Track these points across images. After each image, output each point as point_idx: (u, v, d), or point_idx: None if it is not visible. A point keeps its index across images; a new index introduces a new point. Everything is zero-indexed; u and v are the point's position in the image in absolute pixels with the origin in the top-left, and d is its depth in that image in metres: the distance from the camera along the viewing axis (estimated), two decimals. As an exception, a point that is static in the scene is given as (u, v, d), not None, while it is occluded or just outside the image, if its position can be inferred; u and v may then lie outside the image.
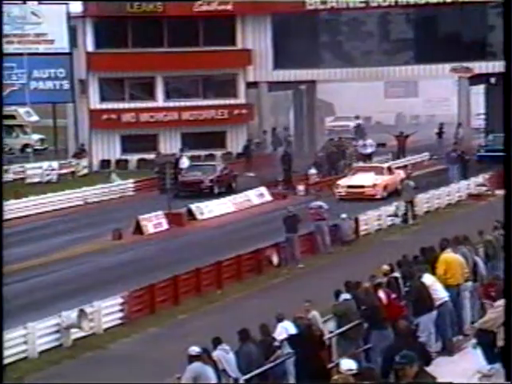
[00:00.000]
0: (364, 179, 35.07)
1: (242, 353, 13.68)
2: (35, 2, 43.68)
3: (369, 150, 42.21)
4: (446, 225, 27.34)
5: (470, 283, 16.47)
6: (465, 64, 43.92)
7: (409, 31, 46.06)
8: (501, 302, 12.19)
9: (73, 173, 42.03)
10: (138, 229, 29.76)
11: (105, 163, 44.76)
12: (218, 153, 45.49)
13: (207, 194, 35.29)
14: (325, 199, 29.52)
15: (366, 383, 9.74)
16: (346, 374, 10.10)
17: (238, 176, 38.80)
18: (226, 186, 36.79)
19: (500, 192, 27.95)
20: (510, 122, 8.98)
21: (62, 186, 38.05)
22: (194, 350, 12.95)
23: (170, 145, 44.83)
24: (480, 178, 35.42)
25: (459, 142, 41.30)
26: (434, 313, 15.27)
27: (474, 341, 13.43)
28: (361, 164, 39.79)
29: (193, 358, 12.90)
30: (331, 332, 15.03)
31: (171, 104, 45.44)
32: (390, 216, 30.19)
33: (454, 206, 33.19)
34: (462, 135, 43.41)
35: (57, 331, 18.67)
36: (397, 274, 16.47)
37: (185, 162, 38.95)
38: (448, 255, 16.53)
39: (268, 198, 35.46)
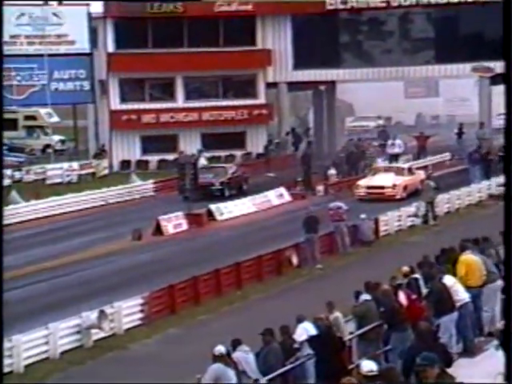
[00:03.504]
0: (384, 180, 34.97)
1: (264, 353, 13.66)
2: (54, 3, 43.89)
3: (396, 150, 41.86)
4: (467, 225, 27.22)
5: (493, 284, 16.33)
6: (486, 63, 43.70)
7: (429, 30, 45.91)
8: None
9: (93, 173, 42.17)
10: (158, 229, 29.82)
11: (125, 164, 44.86)
12: (238, 153, 45.51)
13: (217, 196, 34.82)
14: (344, 200, 29.46)
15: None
16: (364, 374, 10.05)
17: (258, 176, 38.73)
18: (236, 189, 36.50)
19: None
20: (510, 122, 8.92)
21: (83, 186, 38.19)
22: (219, 349, 12.90)
23: (190, 145, 44.87)
24: (501, 179, 35.23)
25: (483, 143, 41.03)
26: (455, 314, 15.20)
27: (496, 342, 13.35)
28: (381, 164, 39.66)
29: (216, 359, 12.88)
30: (351, 333, 14.99)
31: (191, 104, 45.49)
32: (410, 216, 30.09)
33: (475, 207, 33.04)
34: (487, 135, 43.13)
35: (78, 332, 18.73)
36: (417, 275, 16.40)
37: (202, 164, 38.92)
38: (468, 256, 16.45)
39: (287, 198, 35.43)
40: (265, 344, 13.77)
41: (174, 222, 30.26)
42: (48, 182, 40.19)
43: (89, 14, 44.04)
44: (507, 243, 9.11)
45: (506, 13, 9.71)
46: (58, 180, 40.39)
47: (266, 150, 44.50)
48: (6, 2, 39.30)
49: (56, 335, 18.18)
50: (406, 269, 16.57)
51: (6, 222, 30.67)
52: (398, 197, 34.09)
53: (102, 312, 18.89)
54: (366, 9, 45.47)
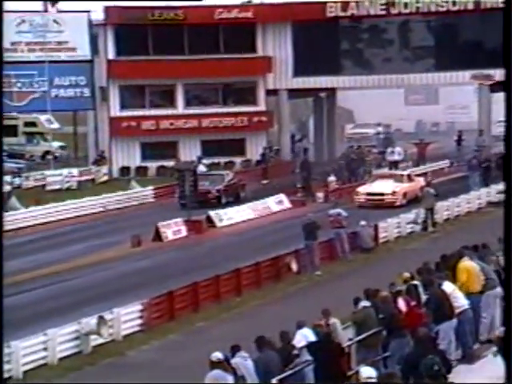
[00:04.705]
0: (383, 186, 35.01)
1: (261, 360, 13.64)
2: (54, 10, 43.98)
3: (396, 157, 42.08)
4: (466, 232, 27.22)
5: (492, 291, 16.32)
6: (485, 71, 43.78)
7: (429, 38, 46.02)
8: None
9: (93, 180, 42.21)
10: (158, 236, 29.82)
11: (125, 170, 44.91)
12: (238, 160, 45.54)
13: (214, 204, 34.61)
14: (344, 206, 29.47)
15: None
16: (363, 381, 10.06)
17: (256, 183, 38.69)
18: (233, 196, 36.38)
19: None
20: (510, 122, 8.96)
21: (82, 192, 38.21)
22: (216, 356, 12.87)
23: (189, 152, 44.92)
24: (501, 186, 35.23)
25: (482, 150, 41.12)
26: (454, 321, 15.19)
27: (494, 348, 13.34)
28: (380, 171, 39.71)
29: (214, 365, 12.85)
30: (350, 339, 14.97)
31: (191, 111, 45.55)
32: (409, 223, 30.10)
33: (474, 214, 33.04)
34: (486, 143, 43.20)
35: (76, 338, 18.72)
36: (416, 282, 16.39)
37: (201, 171, 38.89)
38: (467, 263, 16.45)
39: (287, 205, 35.44)
40: (258, 352, 13.72)
41: (173, 229, 30.26)
42: (48, 188, 40.22)
43: (89, 21, 44.13)
44: (507, 247, 9.12)
45: (506, 20, 9.74)
46: (58, 186, 40.42)
47: (263, 157, 44.54)
48: (7, 8, 39.36)
49: (55, 341, 18.16)
50: (405, 275, 16.56)
51: (5, 228, 30.76)
52: (397, 204, 34.13)
53: (101, 318, 18.87)
54: (366, 16, 45.57)
